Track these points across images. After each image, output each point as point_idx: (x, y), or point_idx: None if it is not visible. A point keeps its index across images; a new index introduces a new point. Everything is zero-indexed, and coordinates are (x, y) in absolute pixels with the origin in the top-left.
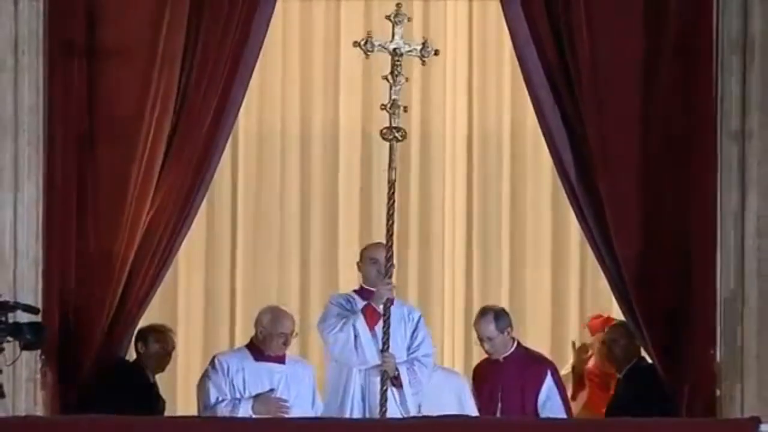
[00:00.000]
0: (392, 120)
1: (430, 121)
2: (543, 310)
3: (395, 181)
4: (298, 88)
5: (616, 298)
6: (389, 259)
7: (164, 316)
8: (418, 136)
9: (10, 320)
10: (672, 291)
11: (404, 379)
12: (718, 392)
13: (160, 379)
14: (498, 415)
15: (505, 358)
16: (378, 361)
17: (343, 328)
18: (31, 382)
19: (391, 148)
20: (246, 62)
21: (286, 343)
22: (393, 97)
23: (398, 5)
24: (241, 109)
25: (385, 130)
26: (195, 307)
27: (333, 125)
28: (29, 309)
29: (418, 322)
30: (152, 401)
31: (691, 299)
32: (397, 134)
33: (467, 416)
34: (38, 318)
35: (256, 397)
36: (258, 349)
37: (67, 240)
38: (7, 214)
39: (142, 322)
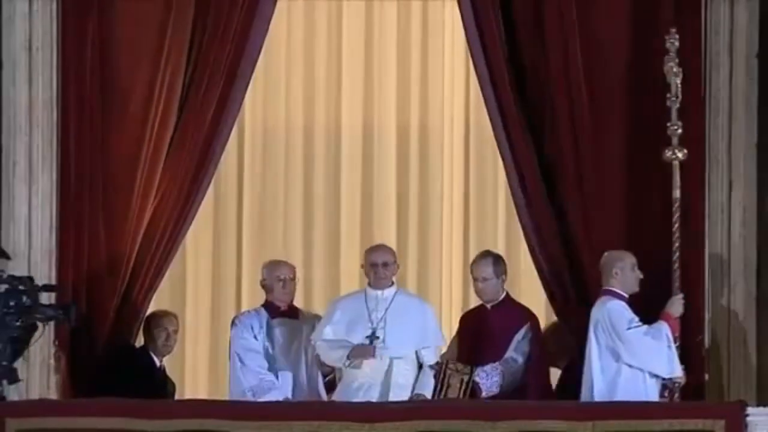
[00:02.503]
0: (674, 140)
1: (429, 117)
2: (538, 301)
3: (679, 198)
4: (302, 86)
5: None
6: (675, 271)
7: (173, 303)
8: (417, 132)
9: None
10: (660, 279)
11: None
12: (706, 377)
13: (169, 363)
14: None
15: (493, 306)
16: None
17: (659, 337)
18: (44, 367)
19: (673, 167)
20: (248, 57)
21: (285, 287)
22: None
23: (673, 30)
24: (247, 107)
25: (668, 150)
26: (202, 294)
27: (335, 122)
28: (48, 288)
29: None
30: (161, 385)
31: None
32: (678, 154)
33: (453, 400)
34: (53, 299)
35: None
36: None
37: (79, 231)
38: (21, 206)
39: (151, 309)
